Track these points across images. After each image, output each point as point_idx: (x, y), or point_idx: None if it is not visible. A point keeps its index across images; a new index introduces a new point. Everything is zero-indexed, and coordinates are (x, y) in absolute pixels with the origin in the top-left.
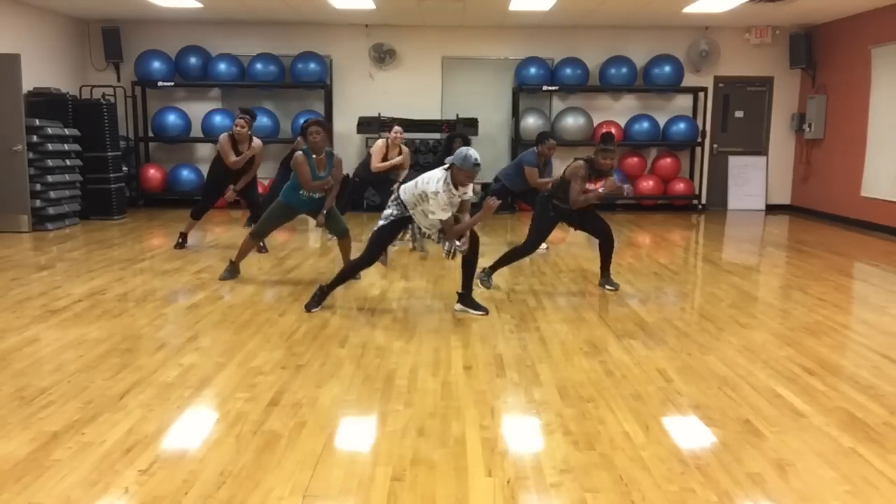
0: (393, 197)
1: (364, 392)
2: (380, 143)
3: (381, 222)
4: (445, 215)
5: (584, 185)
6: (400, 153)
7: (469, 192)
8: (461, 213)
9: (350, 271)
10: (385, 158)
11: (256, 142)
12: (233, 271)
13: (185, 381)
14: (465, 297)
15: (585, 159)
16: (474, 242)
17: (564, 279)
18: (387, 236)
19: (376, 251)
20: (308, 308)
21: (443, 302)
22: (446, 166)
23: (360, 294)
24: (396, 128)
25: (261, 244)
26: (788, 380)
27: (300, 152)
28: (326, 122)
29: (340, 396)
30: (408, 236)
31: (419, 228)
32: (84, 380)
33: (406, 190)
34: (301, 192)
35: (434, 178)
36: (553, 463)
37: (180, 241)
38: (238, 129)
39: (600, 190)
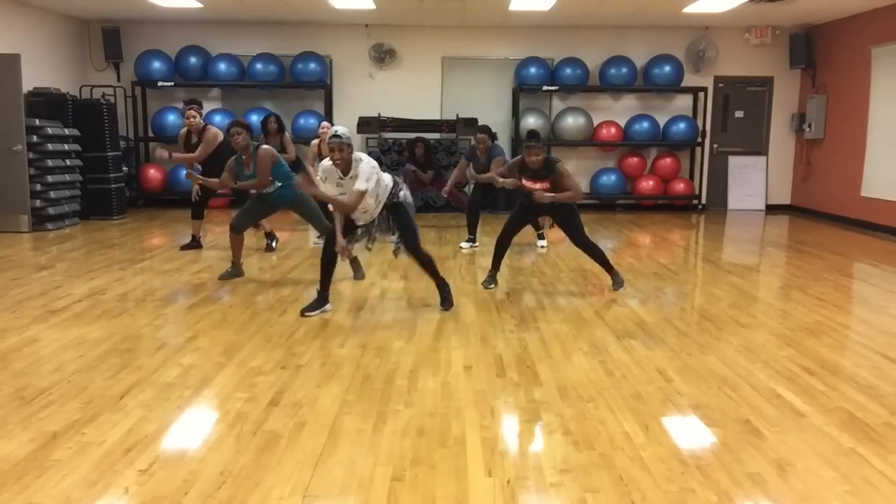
0: None
1: (364, 392)
2: (313, 142)
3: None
4: (323, 187)
5: (508, 171)
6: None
7: (357, 183)
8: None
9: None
10: (319, 155)
11: (209, 131)
12: (234, 272)
13: (185, 381)
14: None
15: (521, 158)
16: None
17: (564, 279)
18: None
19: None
20: (304, 311)
21: None
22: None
23: (360, 294)
24: (324, 123)
25: (269, 242)
26: (788, 380)
27: (232, 159)
28: (246, 121)
29: (340, 396)
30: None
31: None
32: (84, 380)
33: None
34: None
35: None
36: (553, 463)
37: (192, 241)
38: (190, 120)
39: (537, 186)
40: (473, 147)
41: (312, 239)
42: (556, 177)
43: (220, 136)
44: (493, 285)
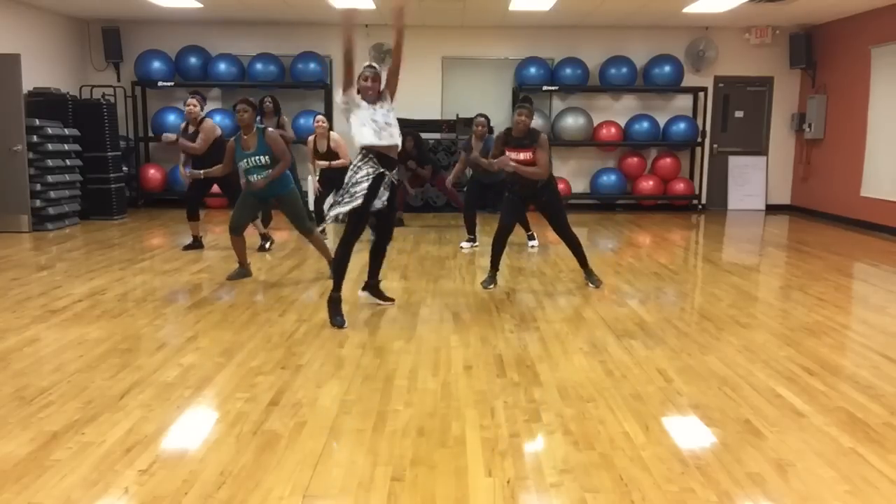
0: (355, 163)
1: (364, 392)
2: (309, 139)
3: (357, 191)
4: (368, 128)
5: (495, 148)
6: (329, 144)
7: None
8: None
9: (337, 257)
10: (315, 151)
11: (206, 122)
12: (242, 272)
13: (185, 381)
14: (374, 287)
15: (505, 130)
16: (385, 234)
17: (564, 279)
18: (370, 199)
19: (361, 223)
20: (338, 325)
21: (443, 302)
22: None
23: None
24: (319, 116)
25: (263, 243)
26: (788, 380)
27: (232, 139)
28: (254, 100)
29: (340, 396)
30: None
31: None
32: (84, 380)
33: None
34: (250, 177)
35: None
36: (553, 463)
37: (194, 242)
38: (190, 108)
39: (521, 157)
40: (469, 139)
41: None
42: (537, 146)
43: (218, 131)
44: (492, 285)
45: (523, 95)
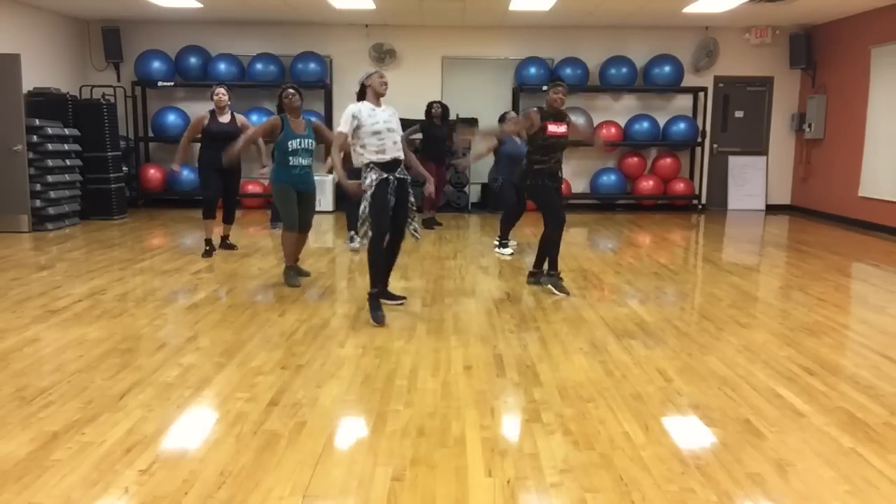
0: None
1: (364, 392)
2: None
3: (366, 195)
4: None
5: (525, 121)
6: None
7: (393, 123)
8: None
9: (370, 260)
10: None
11: (240, 116)
12: (294, 275)
13: (185, 381)
14: (382, 289)
15: (538, 107)
16: (396, 233)
17: (564, 279)
18: (382, 200)
19: (382, 220)
20: (381, 321)
21: (443, 302)
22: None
23: (360, 294)
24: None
25: (229, 243)
26: (788, 380)
27: (276, 116)
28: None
29: (340, 396)
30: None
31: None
32: (84, 380)
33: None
34: (290, 165)
35: (348, 111)
36: (553, 463)
37: (207, 248)
38: (220, 95)
39: (563, 130)
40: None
41: (348, 244)
42: (569, 120)
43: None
44: (563, 287)
45: (556, 75)
